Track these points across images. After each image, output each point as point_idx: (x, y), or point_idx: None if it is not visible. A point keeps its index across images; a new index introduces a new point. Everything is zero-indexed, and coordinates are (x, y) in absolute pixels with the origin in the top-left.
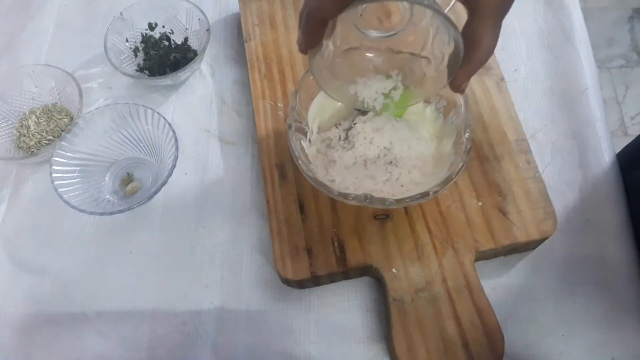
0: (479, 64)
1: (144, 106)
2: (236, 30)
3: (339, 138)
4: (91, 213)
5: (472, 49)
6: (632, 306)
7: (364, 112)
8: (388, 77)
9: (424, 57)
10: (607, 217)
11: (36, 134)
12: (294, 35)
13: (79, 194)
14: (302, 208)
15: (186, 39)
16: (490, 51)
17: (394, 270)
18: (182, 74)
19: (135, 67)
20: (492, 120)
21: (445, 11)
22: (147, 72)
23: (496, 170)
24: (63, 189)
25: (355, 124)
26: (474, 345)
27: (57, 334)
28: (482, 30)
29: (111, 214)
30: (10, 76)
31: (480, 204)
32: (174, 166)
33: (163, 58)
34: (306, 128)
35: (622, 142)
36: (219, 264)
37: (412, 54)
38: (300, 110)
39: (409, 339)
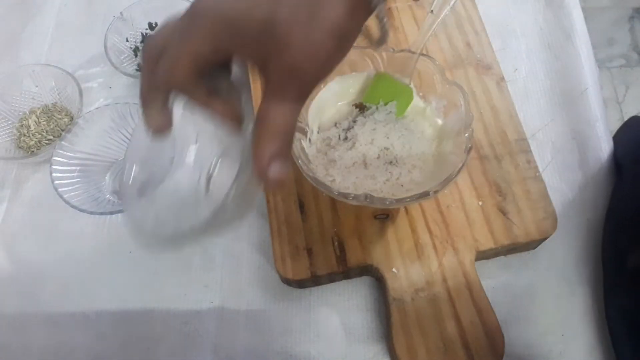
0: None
1: None
2: None
3: (339, 138)
4: (91, 213)
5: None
6: None
7: (364, 111)
8: None
9: None
10: None
11: (36, 133)
12: None
13: (79, 193)
14: (302, 208)
15: None
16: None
17: (394, 270)
18: None
19: (136, 67)
20: (492, 119)
21: (446, 11)
22: None
23: (496, 169)
24: (63, 189)
25: (355, 123)
26: (474, 345)
27: (57, 334)
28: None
29: (111, 213)
30: (10, 76)
31: (480, 203)
32: None
33: None
34: (306, 128)
35: None
36: (219, 264)
37: None
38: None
39: (409, 338)
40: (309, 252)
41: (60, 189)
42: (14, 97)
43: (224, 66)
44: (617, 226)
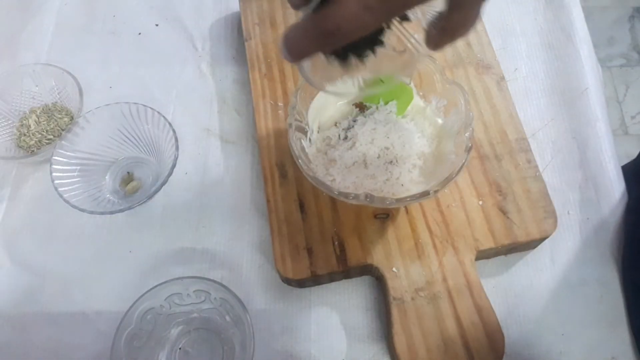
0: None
1: (144, 105)
2: (236, 29)
3: (339, 137)
4: (91, 212)
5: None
6: None
7: (364, 111)
8: None
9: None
10: (607, 216)
11: (36, 133)
12: None
13: (79, 193)
14: (302, 207)
15: None
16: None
17: (394, 269)
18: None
19: None
20: (492, 119)
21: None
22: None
23: (496, 169)
24: (63, 189)
25: (355, 122)
26: (474, 345)
27: (57, 334)
28: None
29: (111, 213)
30: (10, 75)
31: (480, 203)
32: (174, 165)
33: None
34: (306, 127)
35: (623, 142)
36: (219, 263)
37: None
38: (301, 109)
39: (409, 338)
40: (309, 251)
41: (60, 189)
42: (14, 96)
43: None
44: None
